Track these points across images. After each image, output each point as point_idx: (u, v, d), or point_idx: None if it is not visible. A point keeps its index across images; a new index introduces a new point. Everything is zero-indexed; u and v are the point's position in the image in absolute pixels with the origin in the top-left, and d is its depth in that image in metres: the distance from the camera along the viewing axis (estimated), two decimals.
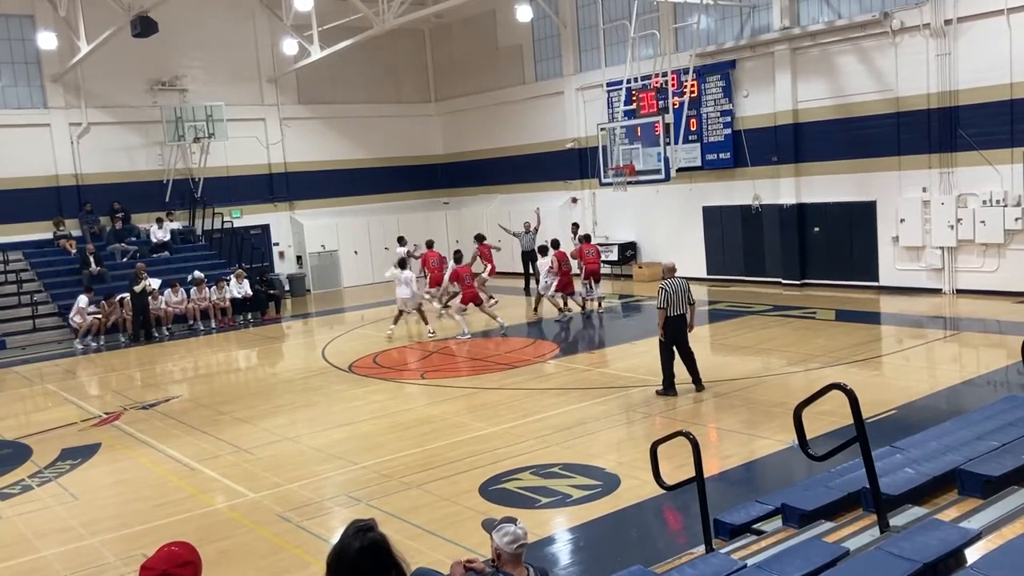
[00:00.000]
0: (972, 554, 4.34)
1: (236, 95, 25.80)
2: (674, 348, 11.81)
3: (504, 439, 10.39)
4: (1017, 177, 17.06)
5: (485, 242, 21.51)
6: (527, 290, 22.55)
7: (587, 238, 20.54)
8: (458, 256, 19.12)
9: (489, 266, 19.79)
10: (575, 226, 22.84)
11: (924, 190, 18.33)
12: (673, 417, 10.90)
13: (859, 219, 19.64)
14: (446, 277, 19.09)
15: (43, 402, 14.78)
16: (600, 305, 19.76)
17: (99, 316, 20.24)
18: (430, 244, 21.12)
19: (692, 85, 20.71)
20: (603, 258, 21.78)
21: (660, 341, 11.83)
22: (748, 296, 20.08)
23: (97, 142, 24.16)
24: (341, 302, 25.06)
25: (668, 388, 11.82)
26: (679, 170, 21.02)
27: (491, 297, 19.18)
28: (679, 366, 11.89)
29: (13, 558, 7.89)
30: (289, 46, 25.41)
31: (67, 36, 21.61)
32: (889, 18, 18.28)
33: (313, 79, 27.05)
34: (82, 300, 19.98)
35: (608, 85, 23.80)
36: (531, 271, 22.53)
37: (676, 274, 11.99)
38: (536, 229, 22.84)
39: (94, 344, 19.68)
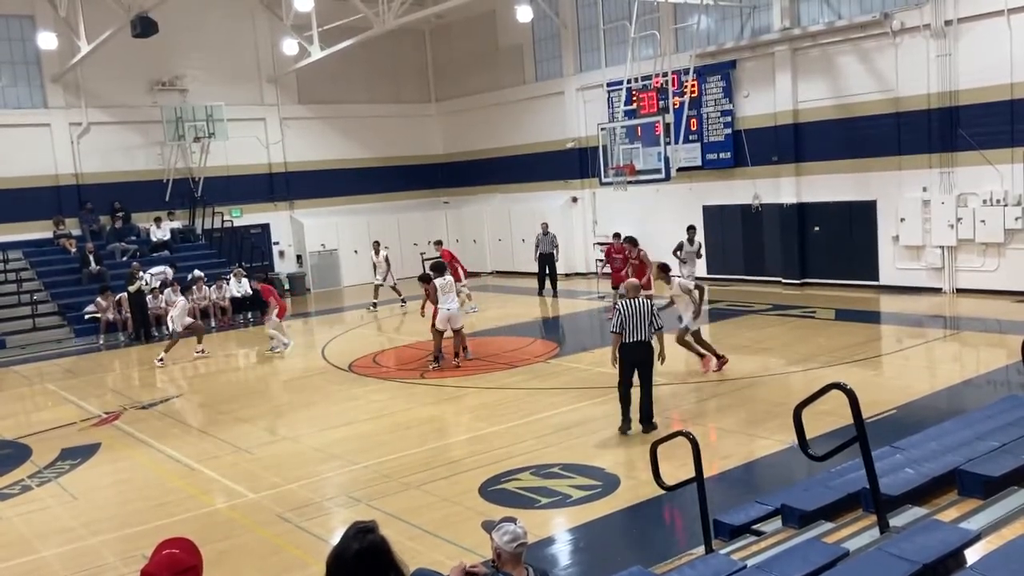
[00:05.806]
0: (972, 555, 4.34)
1: (236, 95, 25.80)
2: (633, 380, 10.16)
3: (504, 439, 10.38)
4: (1017, 176, 17.06)
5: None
6: (541, 291, 22.55)
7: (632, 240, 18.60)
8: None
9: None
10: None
11: (924, 189, 18.33)
12: (673, 417, 10.89)
13: (859, 218, 19.64)
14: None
15: (43, 402, 14.77)
16: None
17: (97, 315, 20.26)
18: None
19: (692, 85, 20.70)
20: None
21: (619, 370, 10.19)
22: (748, 295, 20.07)
23: (97, 142, 24.16)
24: (341, 301, 25.06)
25: (623, 422, 10.20)
26: (679, 170, 21.00)
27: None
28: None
29: (13, 558, 7.88)
30: (289, 46, 25.40)
31: (67, 36, 21.57)
32: (889, 19, 18.28)
33: (313, 79, 27.03)
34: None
35: (608, 85, 23.80)
36: (547, 272, 22.56)
37: (643, 294, 10.56)
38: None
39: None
